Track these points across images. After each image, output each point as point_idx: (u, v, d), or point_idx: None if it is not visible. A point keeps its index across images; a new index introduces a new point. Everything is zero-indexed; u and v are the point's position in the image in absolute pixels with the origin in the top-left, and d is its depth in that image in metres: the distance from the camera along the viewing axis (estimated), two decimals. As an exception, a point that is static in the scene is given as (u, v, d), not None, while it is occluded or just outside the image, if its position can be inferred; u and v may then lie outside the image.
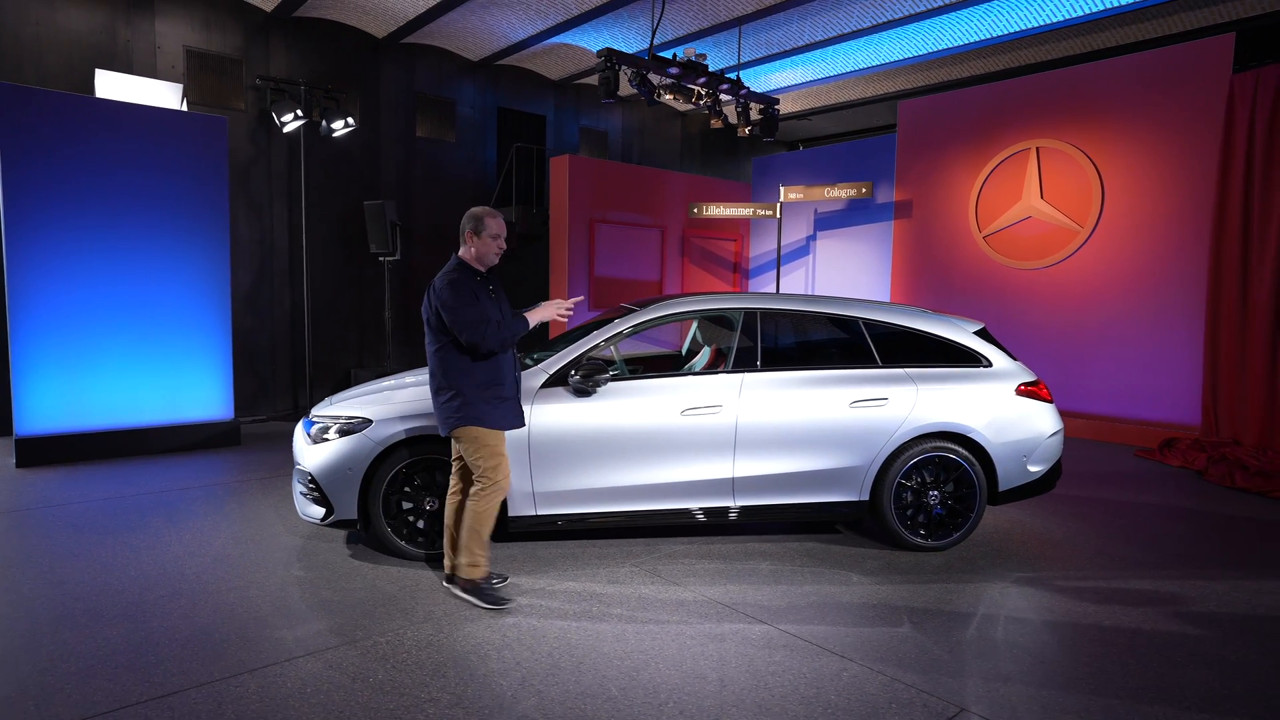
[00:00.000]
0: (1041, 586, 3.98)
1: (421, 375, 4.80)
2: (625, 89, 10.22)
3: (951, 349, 4.63)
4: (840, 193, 9.86)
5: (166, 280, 6.88)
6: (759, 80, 10.99)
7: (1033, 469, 4.57)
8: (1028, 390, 4.58)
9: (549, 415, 4.18)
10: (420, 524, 4.19)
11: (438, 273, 3.59)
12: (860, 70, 10.52)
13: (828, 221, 11.11)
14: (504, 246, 3.64)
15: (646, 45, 9.44)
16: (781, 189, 10.25)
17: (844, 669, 3.05)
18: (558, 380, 4.24)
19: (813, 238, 11.31)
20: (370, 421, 4.15)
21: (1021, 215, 8.94)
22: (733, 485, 4.32)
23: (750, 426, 4.30)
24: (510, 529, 4.28)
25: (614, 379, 4.34)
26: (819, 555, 4.40)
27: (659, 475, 4.25)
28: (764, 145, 13.91)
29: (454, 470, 3.76)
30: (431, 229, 10.33)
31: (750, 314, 4.55)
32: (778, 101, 8.90)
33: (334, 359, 9.63)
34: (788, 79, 11.00)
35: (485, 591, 3.62)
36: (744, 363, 4.45)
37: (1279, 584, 4.06)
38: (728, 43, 9.51)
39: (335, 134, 8.82)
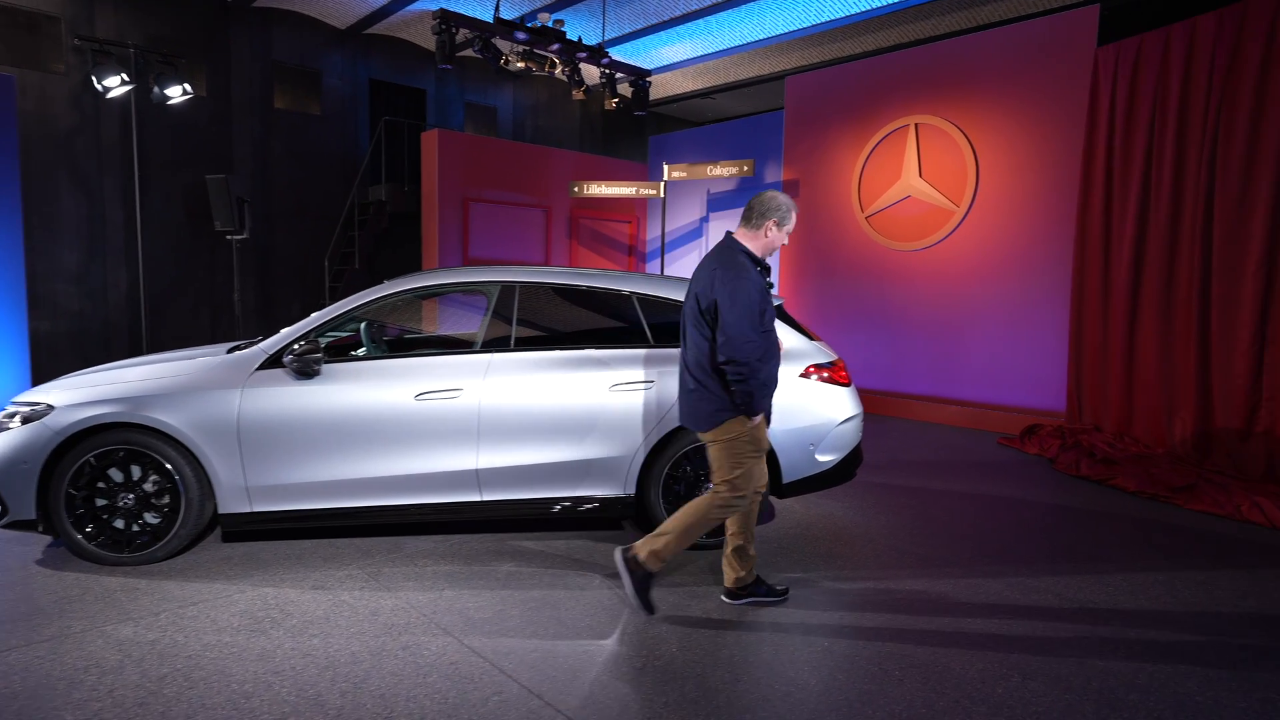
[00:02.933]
0: (803, 588, 3.60)
1: (159, 358, 4.29)
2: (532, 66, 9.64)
3: (736, 327, 4.22)
4: (722, 171, 9.46)
5: (-58, 256, 6.23)
6: (646, 55, 10.54)
7: (822, 458, 4.19)
8: (819, 373, 4.20)
9: (265, 400, 3.72)
10: (119, 524, 3.69)
11: (711, 253, 3.20)
12: (750, 44, 10.11)
13: (719, 202, 10.71)
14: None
15: (518, 13, 8.92)
16: (665, 167, 9.82)
17: (499, 691, 2.63)
18: (277, 361, 3.78)
19: (705, 219, 10.91)
20: (52, 408, 3.63)
21: (901, 195, 8.62)
22: (478, 478, 3.88)
23: (495, 412, 3.86)
24: (223, 528, 3.81)
25: (349, 360, 3.91)
26: (577, 555, 3.98)
27: (391, 467, 3.80)
28: (668, 124, 13.48)
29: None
30: (295, 206, 9.73)
31: (507, 288, 4.11)
32: (649, 73, 8.45)
33: (184, 343, 9.00)
34: (677, 53, 10.55)
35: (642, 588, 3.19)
36: (498, 342, 4.01)
37: (1059, 580, 3.74)
38: (602, 12, 9.03)
39: (171, 102, 8.18)
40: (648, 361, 4.03)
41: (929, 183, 8.37)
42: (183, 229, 8.91)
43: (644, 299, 4.19)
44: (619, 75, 8.38)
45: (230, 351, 4.00)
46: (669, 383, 3.97)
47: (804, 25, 9.44)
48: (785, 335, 4.24)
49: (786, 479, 4.14)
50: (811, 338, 4.37)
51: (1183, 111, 6.29)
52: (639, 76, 8.40)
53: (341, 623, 3.12)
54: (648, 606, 3.20)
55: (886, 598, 3.51)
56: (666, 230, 11.47)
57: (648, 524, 4.11)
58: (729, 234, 3.25)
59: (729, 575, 3.40)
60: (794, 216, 3.22)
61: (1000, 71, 7.78)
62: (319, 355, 3.72)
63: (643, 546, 3.20)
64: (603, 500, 4.02)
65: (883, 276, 8.81)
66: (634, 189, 9.95)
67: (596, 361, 3.99)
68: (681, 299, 4.21)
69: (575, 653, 2.93)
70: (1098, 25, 7.09)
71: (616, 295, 4.19)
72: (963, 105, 8.06)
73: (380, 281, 4.28)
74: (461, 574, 3.68)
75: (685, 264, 11.21)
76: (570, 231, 10.97)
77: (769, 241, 3.19)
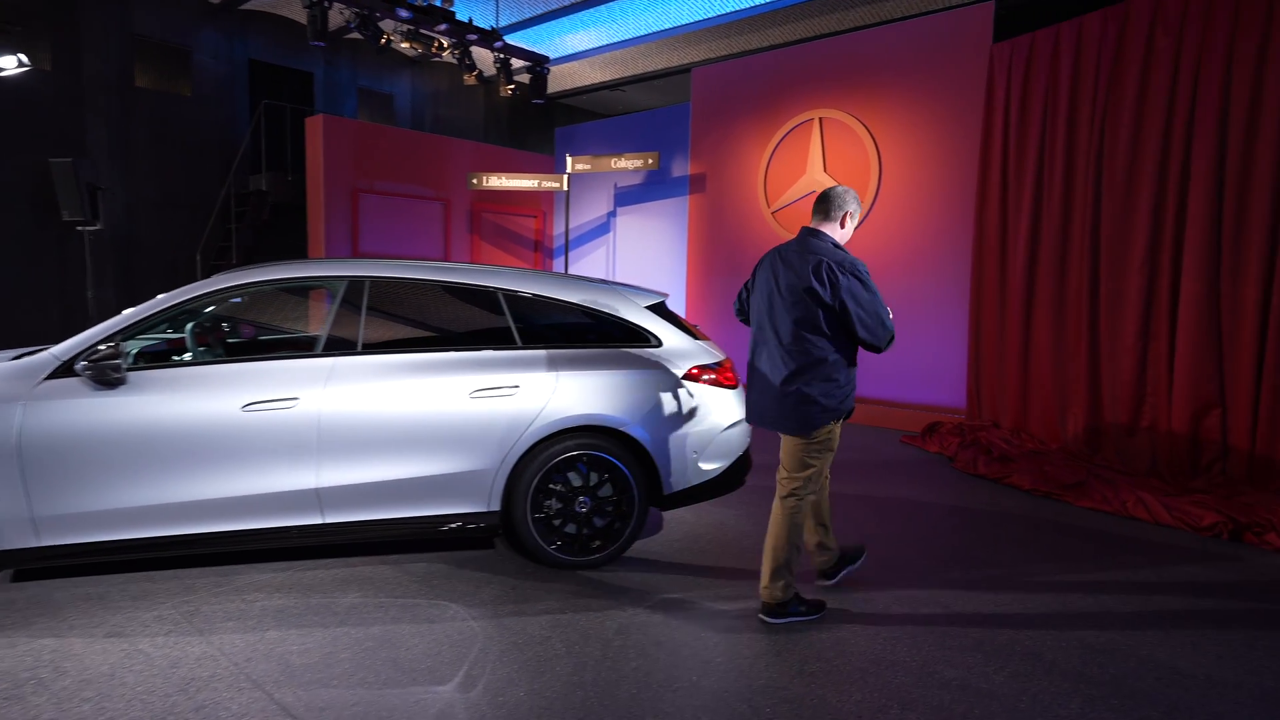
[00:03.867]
0: (678, 612, 3.30)
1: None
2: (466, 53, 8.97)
3: (613, 326, 3.90)
4: (627, 163, 9.15)
5: None
6: (551, 43, 10.11)
7: (706, 466, 3.91)
8: (704, 374, 3.92)
9: (54, 415, 3.17)
10: None
11: (788, 248, 3.16)
12: (656, 34, 9.84)
13: (627, 196, 10.41)
14: None
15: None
16: (569, 159, 9.45)
17: (299, 761, 2.22)
18: (71, 369, 3.24)
19: (613, 214, 10.58)
20: None
21: (806, 189, 8.49)
22: (319, 498, 3.43)
23: (338, 424, 3.41)
24: (3, 567, 3.25)
25: (163, 366, 3.40)
26: (436, 579, 3.57)
27: (212, 489, 3.31)
28: (579, 117, 13.09)
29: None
30: (162, 195, 8.89)
31: (356, 283, 3.67)
32: (548, 60, 8.05)
33: (28, 344, 8.09)
34: (581, 42, 10.18)
35: (795, 607, 3.21)
36: (344, 344, 3.57)
37: (948, 593, 3.56)
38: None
39: (2, 74, 7.29)
40: (513, 365, 3.65)
41: (833, 178, 8.26)
42: (24, 218, 8.00)
43: (511, 296, 3.81)
44: (517, 61, 7.93)
45: (17, 359, 3.42)
46: (536, 387, 3.61)
47: (708, 15, 9.22)
48: (668, 335, 3.95)
49: (669, 489, 3.84)
50: (697, 336, 4.09)
51: (1072, 110, 6.32)
52: (537, 63, 8.00)
53: (129, 680, 2.64)
54: (817, 608, 3.24)
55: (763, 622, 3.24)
56: (574, 226, 11.09)
57: (518, 542, 3.75)
58: (809, 229, 3.16)
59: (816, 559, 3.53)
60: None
61: (901, 67, 7.73)
62: (119, 361, 3.20)
63: (766, 593, 3.17)
64: (465, 518, 3.63)
65: (789, 273, 8.66)
66: (536, 182, 9.52)
67: (455, 365, 3.59)
68: (553, 296, 3.86)
69: (406, 704, 2.54)
70: (993, 22, 7.09)
71: (481, 292, 3.80)
72: (865, 100, 7.98)
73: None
74: (294, 609, 3.22)
75: (592, 261, 10.86)
76: (472, 226, 10.46)
77: (844, 234, 3.19)
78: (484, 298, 3.80)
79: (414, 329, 3.73)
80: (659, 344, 3.91)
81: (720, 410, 3.92)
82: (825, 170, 8.31)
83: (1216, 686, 2.75)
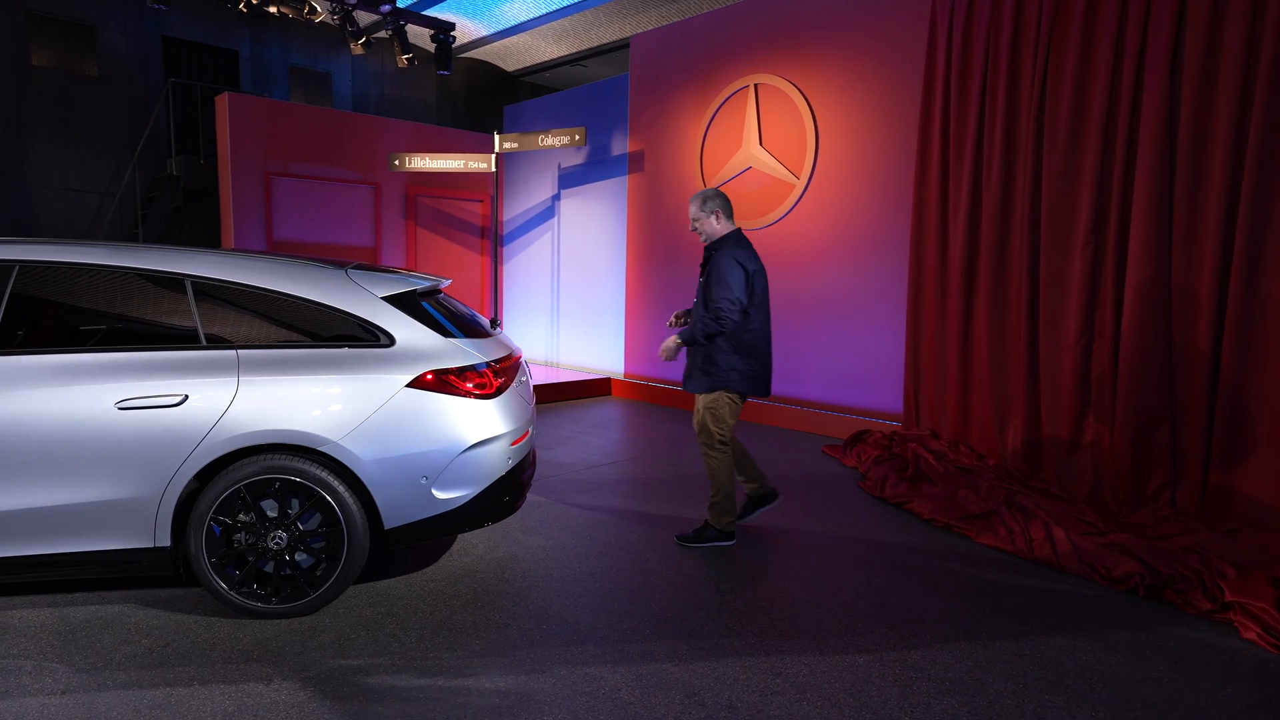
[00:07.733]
0: (338, 688, 2.56)
1: None
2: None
3: (333, 321, 3.16)
4: (554, 140, 8.37)
5: None
6: (489, 15, 9.36)
7: (443, 495, 3.15)
8: (444, 381, 3.15)
9: None
10: None
11: (748, 244, 3.99)
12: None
13: (570, 178, 9.62)
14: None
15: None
16: (496, 138, 8.72)
17: None
18: None
19: (557, 197, 9.81)
20: None
21: (743, 165, 7.59)
22: (-87, 533, 2.80)
23: (-70, 442, 2.77)
24: None
25: None
26: (84, 631, 2.90)
27: None
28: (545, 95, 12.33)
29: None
30: (64, 180, 8.47)
31: (-8, 268, 3.01)
32: (453, 26, 7.32)
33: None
34: (522, 12, 9.41)
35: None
36: (-35, 341, 2.91)
37: (714, 668, 2.73)
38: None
39: None
40: (184, 369, 2.95)
41: (769, 151, 7.34)
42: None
43: (202, 285, 3.11)
44: (409, 26, 7.20)
45: None
46: (210, 396, 2.91)
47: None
48: (405, 332, 3.19)
49: (390, 523, 3.10)
50: (461, 332, 3.32)
51: (1014, 62, 5.31)
52: (439, 30, 7.26)
53: None
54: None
55: (449, 704, 2.47)
56: (519, 210, 10.39)
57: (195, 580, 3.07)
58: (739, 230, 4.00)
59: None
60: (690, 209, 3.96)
61: (839, 25, 6.76)
62: None
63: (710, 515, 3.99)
64: (119, 556, 2.95)
65: (726, 260, 7.77)
66: (462, 162, 8.82)
67: (100, 370, 2.90)
68: (256, 285, 3.14)
69: None
70: (935, -35, 6.06)
71: (161, 279, 3.10)
72: (800, 62, 7.04)
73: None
74: None
75: (538, 248, 10.12)
76: (407, 212, 9.83)
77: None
78: (167, 287, 3.10)
79: (67, 325, 3.05)
80: (389, 343, 3.16)
81: (465, 424, 3.15)
82: (761, 144, 7.40)
83: None
